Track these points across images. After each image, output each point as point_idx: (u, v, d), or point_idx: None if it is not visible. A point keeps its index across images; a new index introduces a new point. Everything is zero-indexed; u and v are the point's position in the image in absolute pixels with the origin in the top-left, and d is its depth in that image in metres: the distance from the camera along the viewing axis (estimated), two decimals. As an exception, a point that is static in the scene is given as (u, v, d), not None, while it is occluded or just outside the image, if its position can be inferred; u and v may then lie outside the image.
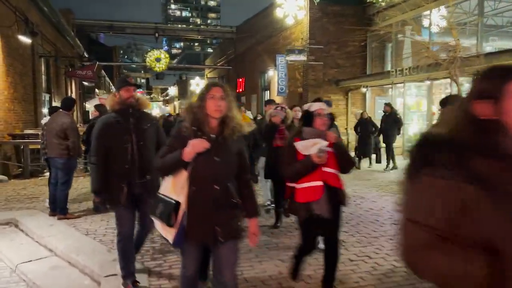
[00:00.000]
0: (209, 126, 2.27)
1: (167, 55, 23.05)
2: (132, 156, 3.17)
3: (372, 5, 14.27)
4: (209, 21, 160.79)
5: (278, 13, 13.97)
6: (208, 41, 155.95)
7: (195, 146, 2.17)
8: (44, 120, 6.45)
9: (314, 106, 3.08)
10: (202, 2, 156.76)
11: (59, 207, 5.60)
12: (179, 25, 25.62)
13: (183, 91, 46.56)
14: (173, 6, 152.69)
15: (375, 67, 14.88)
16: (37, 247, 4.60)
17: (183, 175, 2.23)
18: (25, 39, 10.70)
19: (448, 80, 10.62)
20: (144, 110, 3.38)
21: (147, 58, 22.69)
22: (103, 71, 34.87)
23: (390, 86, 14.10)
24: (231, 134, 2.30)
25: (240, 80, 23.17)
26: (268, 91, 19.71)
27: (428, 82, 11.53)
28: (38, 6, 12.13)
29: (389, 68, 14.85)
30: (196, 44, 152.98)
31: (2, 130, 9.11)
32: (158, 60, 22.87)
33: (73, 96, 19.39)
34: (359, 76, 14.35)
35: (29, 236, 4.98)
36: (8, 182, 8.57)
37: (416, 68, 10.67)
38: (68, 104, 5.85)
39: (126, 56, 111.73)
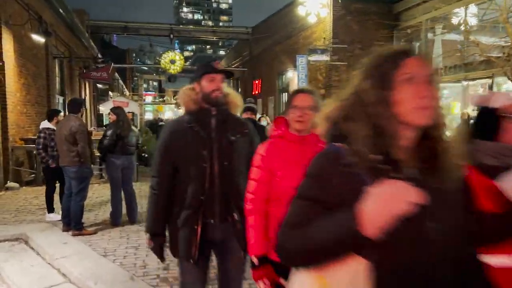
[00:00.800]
0: (403, 148, 1.05)
1: (182, 57, 22.60)
2: (211, 181, 2.13)
3: (398, 2, 13.56)
4: (220, 24, 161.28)
5: (300, 11, 13.34)
6: (220, 44, 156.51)
7: (397, 199, 0.90)
8: (43, 125, 5.85)
9: (499, 99, 1.67)
10: (214, 5, 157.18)
11: (73, 222, 5.05)
12: (194, 26, 25.03)
13: (196, 94, 46.19)
14: (185, 9, 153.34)
15: (401, 68, 14.13)
16: (49, 270, 4.04)
17: (354, 268, 0.99)
18: (38, 39, 10.26)
19: (487, 81, 9.88)
20: (234, 113, 2.31)
21: (162, 60, 22.26)
22: (116, 74, 34.74)
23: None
24: (450, 167, 1.06)
25: (256, 82, 22.58)
26: (286, 93, 19.08)
27: (464, 83, 10.77)
28: (52, 5, 11.70)
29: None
30: (208, 46, 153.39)
31: (14, 134, 8.64)
32: (173, 62, 22.43)
33: (87, 98, 19.02)
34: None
35: (40, 256, 4.42)
36: (20, 190, 8.09)
37: (453, 68, 9.93)
38: (75, 106, 5.32)
39: (138, 59, 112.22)
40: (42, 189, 8.11)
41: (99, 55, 20.28)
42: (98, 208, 6.53)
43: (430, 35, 12.83)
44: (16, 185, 8.17)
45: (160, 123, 23.28)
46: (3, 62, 8.05)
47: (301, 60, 15.34)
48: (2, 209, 6.38)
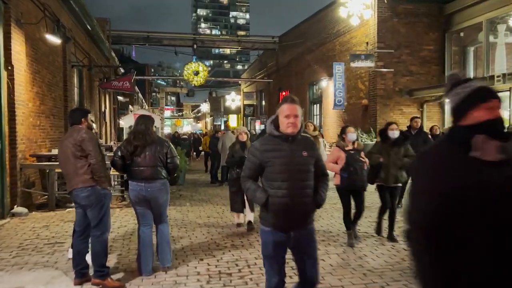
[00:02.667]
0: None
1: (205, 68, 21.52)
2: None
3: (451, 2, 12.12)
4: (238, 38, 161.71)
5: (342, 12, 12.02)
6: (237, 59, 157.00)
7: None
8: None
9: None
10: (232, 20, 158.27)
11: (95, 265, 3.71)
12: (218, 37, 24.06)
13: (216, 107, 45.24)
14: (203, 25, 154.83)
15: (454, 75, 12.58)
16: None
17: None
18: (56, 44, 9.16)
19: None
20: None
21: (185, 71, 21.21)
22: (136, 87, 34.03)
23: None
24: None
25: (284, 93, 21.27)
26: (318, 105, 17.69)
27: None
28: (71, 7, 10.67)
29: (471, 75, 12.56)
30: (225, 61, 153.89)
31: (23, 150, 7.45)
32: (196, 73, 21.38)
33: (107, 111, 17.99)
34: (441, 85, 12.09)
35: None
36: (28, 216, 6.84)
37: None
38: (77, 115, 4.00)
39: (157, 74, 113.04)
40: (54, 216, 6.86)
41: (121, 69, 19.39)
42: (121, 244, 5.18)
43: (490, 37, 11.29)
44: (24, 210, 6.93)
45: (183, 136, 22.15)
46: (12, 67, 6.91)
47: (338, 68, 13.98)
48: (1, 245, 5.10)
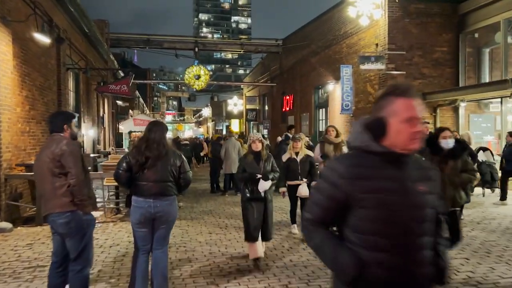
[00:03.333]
0: None
1: (207, 72, 21.00)
2: None
3: (465, 1, 11.53)
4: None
5: (351, 12, 11.42)
6: (239, 63, 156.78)
7: None
8: None
9: None
10: (233, 25, 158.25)
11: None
12: (221, 40, 23.54)
13: (218, 112, 44.68)
14: (204, 29, 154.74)
15: (468, 78, 11.99)
16: None
17: None
18: (47, 44, 8.59)
19: None
20: None
21: (186, 75, 20.67)
22: (137, 92, 33.49)
23: (491, 100, 11.21)
24: None
25: (288, 97, 20.71)
26: (324, 109, 17.08)
27: None
28: (65, 6, 10.11)
29: (486, 78, 11.97)
30: (227, 66, 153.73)
31: (8, 159, 6.85)
32: (197, 77, 20.84)
33: (105, 116, 17.41)
34: (455, 88, 11.49)
35: None
36: (12, 232, 6.22)
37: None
38: (58, 120, 3.29)
39: (159, 79, 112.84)
40: (41, 231, 6.24)
41: (120, 70, 18.85)
42: (111, 269, 4.56)
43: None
44: (9, 225, 6.32)
45: (184, 142, 21.53)
46: (-4, 67, 6.33)
47: (346, 71, 13.39)
48: (-24, 270, 4.49)
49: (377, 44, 12.06)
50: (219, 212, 7.94)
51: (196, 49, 20.28)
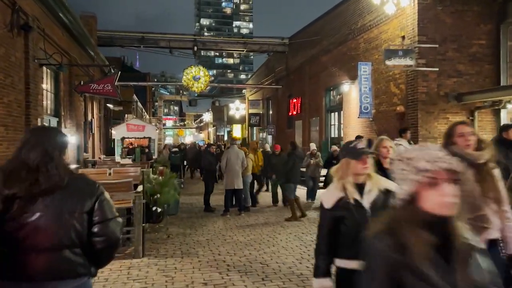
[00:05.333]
0: None
1: (207, 73, 19.32)
2: None
3: (508, -14, 9.85)
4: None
5: (374, -1, 9.74)
6: (241, 68, 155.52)
7: None
8: None
9: None
10: (235, 30, 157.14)
11: None
12: (222, 37, 21.95)
13: (219, 117, 43.04)
14: (206, 34, 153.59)
15: (510, 76, 10.26)
16: None
17: None
18: (11, 34, 6.91)
19: None
20: None
21: (184, 77, 19.01)
22: (135, 96, 31.81)
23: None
24: None
25: (295, 100, 19.01)
26: (336, 113, 15.35)
27: None
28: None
29: (532, 76, 10.22)
30: (229, 71, 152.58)
31: None
32: (196, 78, 19.16)
33: (94, 121, 15.70)
34: (496, 87, 9.76)
35: None
36: None
37: None
38: None
39: (160, 86, 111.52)
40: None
41: (111, 69, 17.19)
42: None
43: None
44: None
45: (174, 149, 19.60)
46: None
47: (364, 69, 11.69)
48: None
49: (403, 37, 10.36)
50: (218, 243, 6.19)
51: (195, 48, 18.64)
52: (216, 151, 11.38)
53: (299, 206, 8.50)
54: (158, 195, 5.61)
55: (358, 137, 9.27)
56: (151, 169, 8.05)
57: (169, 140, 52.45)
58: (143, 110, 39.53)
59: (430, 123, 9.89)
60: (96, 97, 14.48)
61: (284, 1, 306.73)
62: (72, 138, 11.85)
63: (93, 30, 15.88)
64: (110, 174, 6.58)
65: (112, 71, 12.68)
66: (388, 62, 9.77)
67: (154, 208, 5.56)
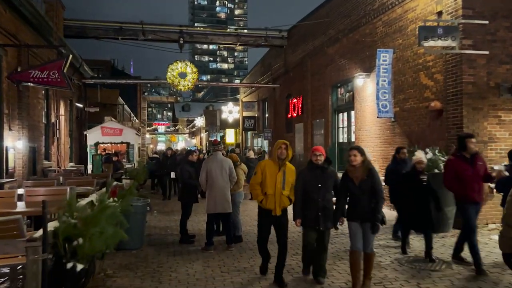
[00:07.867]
0: None
1: (194, 69, 17.00)
2: None
3: None
4: (235, 54, 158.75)
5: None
6: (235, 73, 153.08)
7: None
8: None
9: None
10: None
11: None
12: (211, 30, 19.58)
13: (212, 121, 40.63)
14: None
15: None
16: None
17: None
18: None
19: None
20: None
21: (168, 73, 16.68)
22: (120, 99, 29.27)
23: None
24: None
25: (295, 101, 16.66)
26: (346, 113, 12.98)
27: None
28: None
29: None
30: (223, 76, 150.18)
31: None
32: (183, 75, 16.79)
33: (61, 124, 13.20)
34: None
35: None
36: None
37: None
38: None
39: (153, 90, 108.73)
40: None
41: (81, 59, 14.74)
42: None
43: None
44: None
45: (153, 155, 16.84)
46: None
47: (384, 57, 9.39)
48: None
49: (439, 13, 8.08)
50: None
51: (181, 41, 16.27)
52: (200, 158, 8.98)
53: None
54: (80, 240, 3.20)
55: (400, 149, 7.01)
56: (94, 188, 5.60)
57: (161, 146, 49.89)
58: (132, 114, 36.94)
59: (478, 122, 7.58)
60: (24, 84, 11.83)
61: (278, 7, 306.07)
62: (18, 143, 9.39)
63: (59, 17, 13.47)
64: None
65: (63, 51, 10.19)
66: (425, 43, 7.44)
67: (70, 265, 3.13)
